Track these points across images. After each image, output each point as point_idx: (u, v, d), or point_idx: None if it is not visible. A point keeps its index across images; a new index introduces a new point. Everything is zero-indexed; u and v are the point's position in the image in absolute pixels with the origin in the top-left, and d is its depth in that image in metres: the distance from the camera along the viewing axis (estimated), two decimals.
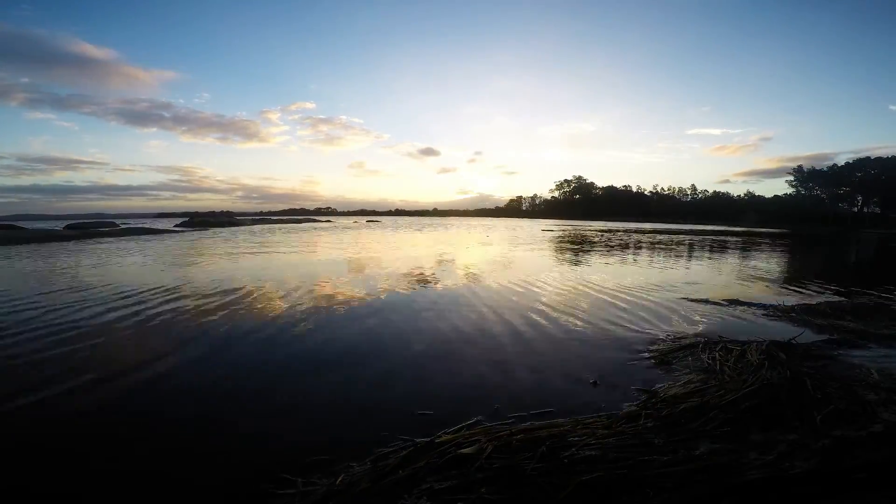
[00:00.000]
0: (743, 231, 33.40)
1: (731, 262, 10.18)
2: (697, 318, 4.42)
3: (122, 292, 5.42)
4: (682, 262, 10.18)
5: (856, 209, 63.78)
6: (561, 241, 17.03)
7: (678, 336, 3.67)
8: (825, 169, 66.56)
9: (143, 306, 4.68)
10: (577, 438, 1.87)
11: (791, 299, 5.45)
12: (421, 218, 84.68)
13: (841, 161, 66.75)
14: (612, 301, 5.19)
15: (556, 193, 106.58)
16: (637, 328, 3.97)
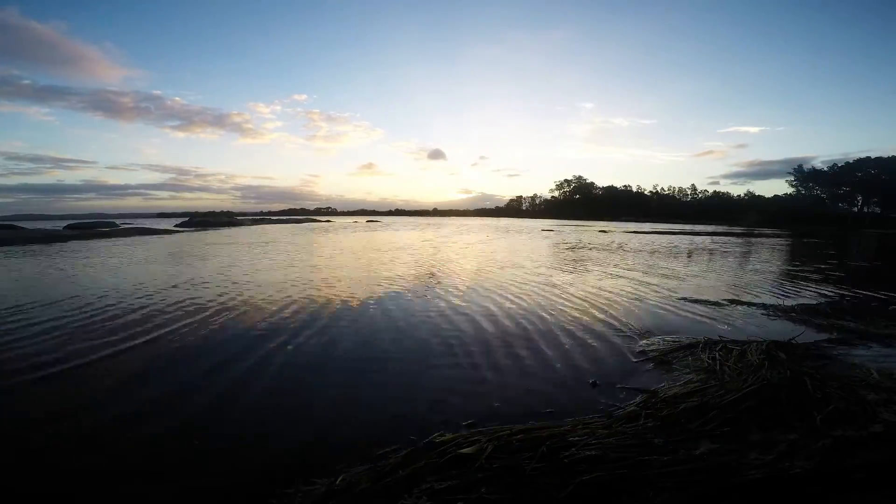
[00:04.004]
0: (742, 232, 33.32)
1: (731, 263, 10.18)
2: (697, 317, 4.42)
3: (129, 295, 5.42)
4: (682, 262, 10.18)
5: (856, 209, 63.76)
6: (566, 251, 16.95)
7: (678, 336, 3.67)
8: (825, 169, 66.56)
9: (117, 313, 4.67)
10: (577, 438, 1.87)
11: (791, 299, 5.45)
12: (419, 218, 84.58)
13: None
14: (612, 301, 5.19)
15: (556, 193, 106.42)
16: (637, 328, 3.97)
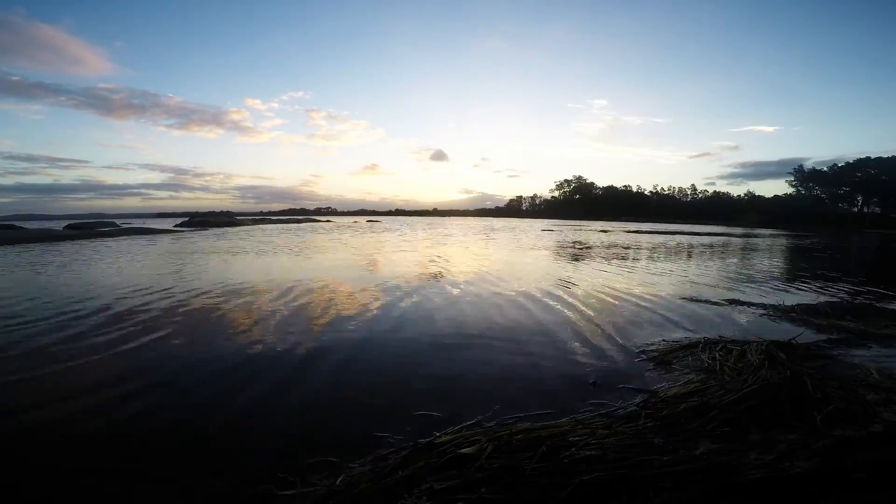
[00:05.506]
0: (743, 233, 33.31)
1: (731, 264, 10.19)
2: (697, 318, 4.42)
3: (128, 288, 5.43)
4: (682, 263, 10.19)
5: (856, 209, 63.84)
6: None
7: (678, 336, 3.67)
8: (825, 169, 66.67)
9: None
10: (576, 438, 1.87)
11: (791, 299, 5.45)
12: (421, 218, 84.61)
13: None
14: (612, 301, 5.19)
15: (556, 193, 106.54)
16: (637, 328, 3.97)
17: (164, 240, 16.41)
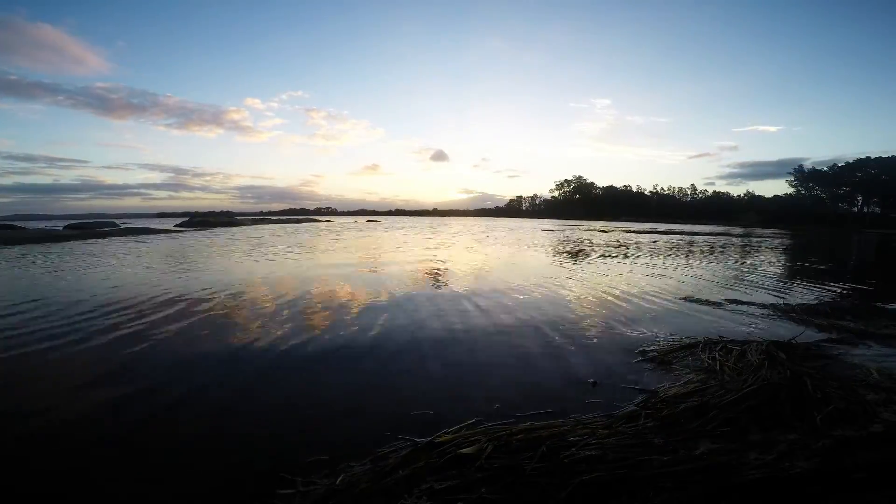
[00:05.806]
0: (742, 233, 33.30)
1: (731, 263, 10.18)
2: (698, 317, 4.42)
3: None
4: (683, 262, 10.18)
5: (856, 209, 63.88)
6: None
7: (678, 336, 3.67)
8: (825, 169, 66.73)
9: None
10: (577, 438, 1.87)
11: (791, 299, 5.45)
12: (421, 218, 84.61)
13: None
14: (612, 301, 5.19)
15: (556, 193, 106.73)
16: (637, 328, 3.97)
17: (170, 238, 16.42)
